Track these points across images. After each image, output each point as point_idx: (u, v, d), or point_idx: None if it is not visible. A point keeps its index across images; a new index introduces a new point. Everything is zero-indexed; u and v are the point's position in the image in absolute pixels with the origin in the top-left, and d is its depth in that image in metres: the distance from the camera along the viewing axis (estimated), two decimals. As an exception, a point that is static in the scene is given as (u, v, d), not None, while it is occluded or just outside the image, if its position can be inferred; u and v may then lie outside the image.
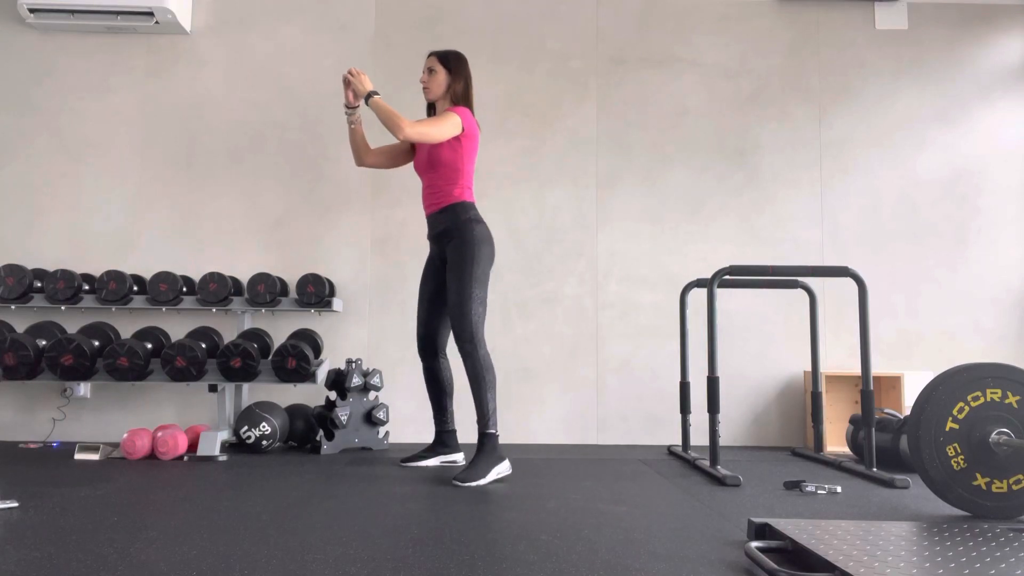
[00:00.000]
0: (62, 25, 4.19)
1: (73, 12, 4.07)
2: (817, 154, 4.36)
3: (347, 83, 3.06)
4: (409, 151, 3.31)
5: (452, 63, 3.15)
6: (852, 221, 4.32)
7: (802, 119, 4.37)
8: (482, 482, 2.80)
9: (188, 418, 4.06)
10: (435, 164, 3.09)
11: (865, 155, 4.36)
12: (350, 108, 3.13)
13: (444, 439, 3.31)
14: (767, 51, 4.41)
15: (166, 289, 3.87)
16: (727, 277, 3.24)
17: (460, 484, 2.77)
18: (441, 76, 3.14)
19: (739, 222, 4.31)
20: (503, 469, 2.91)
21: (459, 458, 3.33)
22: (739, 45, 4.41)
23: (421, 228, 4.00)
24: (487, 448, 2.90)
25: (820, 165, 4.35)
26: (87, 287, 3.96)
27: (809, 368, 4.15)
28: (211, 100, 4.32)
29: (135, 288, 3.95)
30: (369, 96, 3.01)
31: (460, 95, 3.14)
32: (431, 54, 3.18)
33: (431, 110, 3.24)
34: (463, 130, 3.05)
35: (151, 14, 4.08)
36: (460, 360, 3.03)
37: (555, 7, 4.41)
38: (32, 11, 4.05)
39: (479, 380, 2.94)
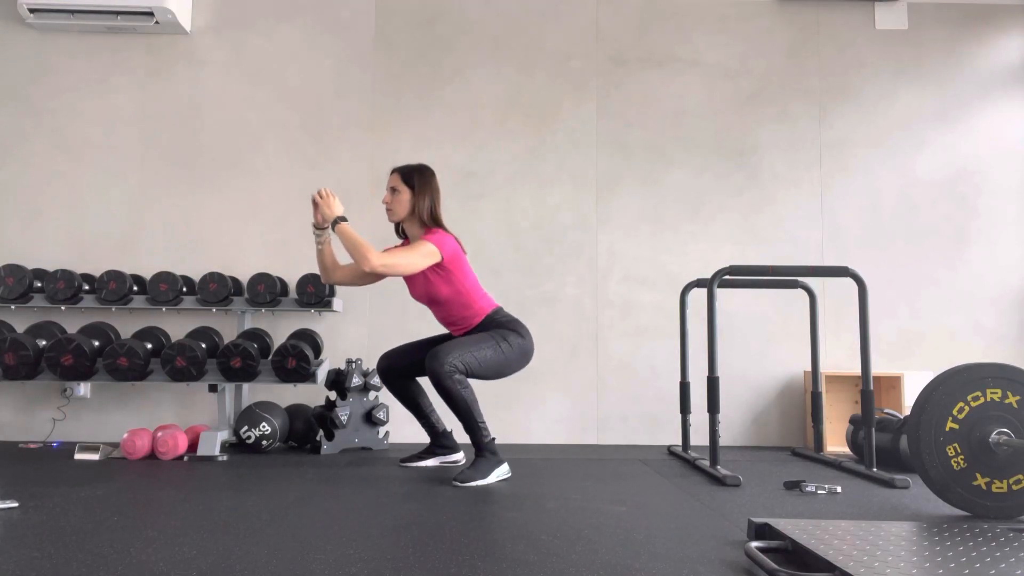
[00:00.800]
0: (62, 25, 4.19)
1: (73, 12, 4.07)
2: (817, 154, 4.36)
3: (316, 204, 2.97)
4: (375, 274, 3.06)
5: (416, 180, 3.01)
6: (852, 221, 4.32)
7: (802, 119, 4.37)
8: (483, 482, 2.80)
9: (188, 418, 4.06)
10: (436, 300, 3.01)
11: (865, 155, 4.36)
12: (319, 229, 3.02)
13: (440, 440, 3.31)
14: (767, 51, 4.41)
15: (166, 289, 3.87)
16: (727, 277, 3.24)
17: (461, 484, 2.77)
18: (405, 196, 3.01)
19: (739, 222, 4.31)
20: (503, 472, 2.90)
21: (459, 457, 3.32)
22: (739, 45, 4.41)
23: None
24: (487, 452, 2.90)
25: (820, 165, 4.35)
26: (87, 287, 3.96)
27: (809, 368, 4.15)
28: (211, 100, 4.32)
29: (135, 288, 3.95)
30: (336, 222, 2.90)
31: (427, 213, 3.00)
32: (393, 172, 3.06)
33: (399, 230, 3.13)
34: (442, 257, 2.91)
35: (151, 14, 4.08)
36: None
37: (555, 7, 4.41)
38: (32, 11, 4.05)
39: (464, 403, 2.84)
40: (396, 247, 3.11)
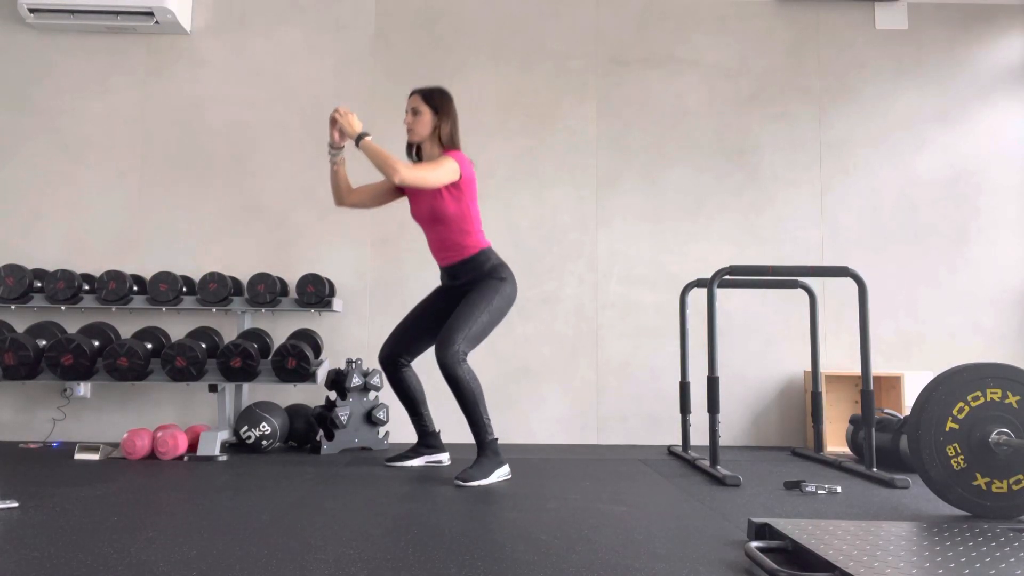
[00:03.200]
0: (62, 25, 4.19)
1: (73, 12, 4.07)
2: (817, 154, 4.36)
3: (333, 122, 2.95)
4: (393, 191, 3.15)
5: (438, 102, 3.02)
6: (852, 221, 4.32)
7: (802, 119, 4.37)
8: (484, 482, 2.80)
9: (188, 418, 4.06)
10: (441, 218, 3.00)
11: (865, 155, 4.36)
12: (335, 148, 3.01)
13: (427, 440, 3.31)
14: (767, 51, 4.41)
15: (166, 289, 3.87)
16: (727, 277, 3.24)
17: (462, 484, 2.77)
18: (427, 117, 3.01)
19: (739, 222, 4.31)
20: (504, 473, 2.90)
21: (444, 458, 3.32)
22: (739, 45, 4.41)
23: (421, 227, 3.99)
24: (489, 451, 2.90)
25: (820, 165, 4.35)
26: (87, 287, 3.96)
27: (809, 368, 4.15)
28: (211, 100, 4.32)
29: (135, 288, 3.95)
30: (360, 138, 2.88)
31: (448, 137, 3.01)
32: (414, 92, 3.05)
33: (413, 151, 3.12)
34: (461, 176, 2.94)
35: (151, 14, 4.08)
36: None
37: (555, 7, 4.41)
38: (32, 11, 4.05)
39: (472, 395, 2.86)
40: (419, 163, 3.06)
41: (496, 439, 2.93)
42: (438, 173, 2.88)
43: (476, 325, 2.90)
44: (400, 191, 3.14)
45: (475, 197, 3.03)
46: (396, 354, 3.20)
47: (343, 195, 3.11)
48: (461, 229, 3.01)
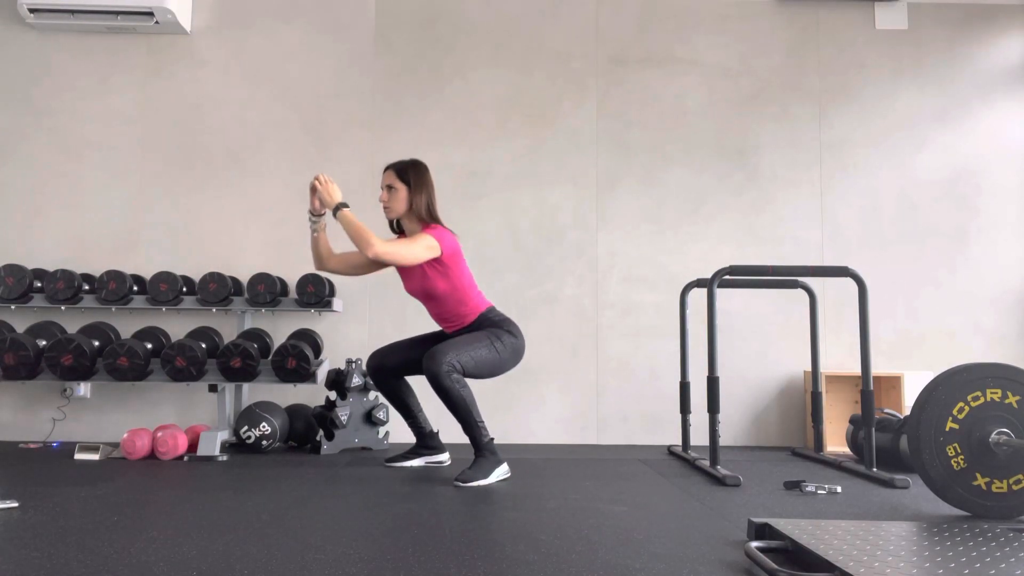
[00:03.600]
0: (62, 25, 4.19)
1: (73, 12, 4.07)
2: (817, 154, 4.36)
3: (313, 190, 2.95)
4: (371, 264, 3.07)
5: (411, 176, 3.00)
6: (852, 221, 4.32)
7: (802, 119, 4.37)
8: (484, 482, 2.80)
9: (188, 418, 4.06)
10: (433, 295, 3.00)
11: (865, 155, 4.36)
12: (315, 216, 3.01)
13: (426, 441, 3.31)
14: (767, 51, 4.41)
15: (166, 289, 3.87)
16: (727, 277, 3.24)
17: (462, 484, 2.77)
18: (402, 193, 3.00)
19: (739, 222, 4.31)
20: (503, 472, 2.90)
21: (444, 458, 3.32)
22: (739, 45, 4.41)
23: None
24: (487, 452, 2.90)
25: (820, 165, 4.35)
26: (87, 287, 3.96)
27: (809, 368, 4.15)
28: (211, 100, 4.32)
29: (135, 288, 3.95)
30: (338, 208, 2.88)
31: (425, 210, 3.00)
32: (387, 168, 3.05)
33: (396, 228, 3.13)
34: (441, 252, 2.92)
35: (151, 14, 4.08)
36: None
37: (555, 7, 4.41)
38: (32, 11, 4.05)
39: (463, 402, 2.84)
40: (396, 239, 3.10)
41: (492, 439, 2.93)
42: (413, 249, 2.87)
43: (473, 352, 2.88)
44: (378, 264, 3.04)
45: (463, 267, 3.01)
46: (384, 366, 3.20)
47: (323, 260, 3.10)
48: (457, 300, 3.01)
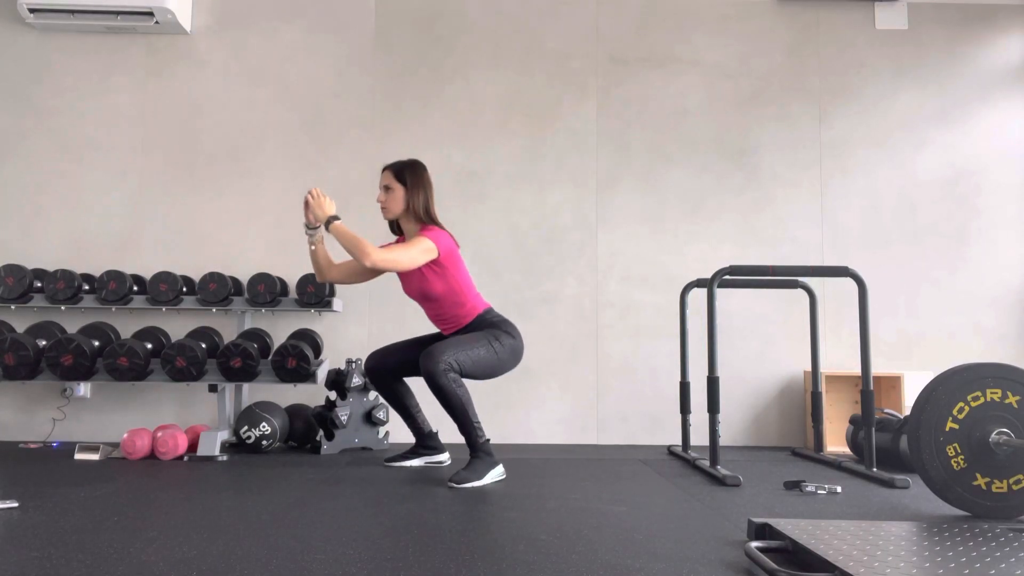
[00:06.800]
0: (62, 25, 4.19)
1: (73, 12, 4.07)
2: (817, 154, 4.36)
3: (307, 204, 2.94)
4: (374, 270, 3.02)
5: (408, 177, 3.00)
6: (852, 221, 4.32)
7: (802, 119, 4.37)
8: (478, 484, 2.79)
9: (188, 418, 4.06)
10: (431, 297, 3.00)
11: (865, 155, 4.36)
12: (311, 228, 3.00)
13: (426, 441, 3.31)
14: (767, 51, 4.41)
15: (166, 289, 3.87)
16: (727, 277, 3.24)
17: (456, 485, 2.76)
18: (399, 193, 2.99)
19: (739, 222, 4.31)
20: (498, 473, 2.90)
21: (444, 458, 3.32)
22: (739, 45, 4.41)
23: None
24: (482, 453, 2.89)
25: (820, 165, 4.35)
26: (87, 287, 3.96)
27: (809, 368, 4.15)
28: (211, 100, 4.32)
29: (135, 288, 3.95)
30: (329, 222, 2.88)
31: (422, 210, 2.99)
32: (385, 169, 3.05)
33: (395, 227, 3.13)
34: (439, 254, 2.91)
35: (151, 14, 4.08)
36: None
37: (555, 7, 4.41)
38: (32, 11, 4.05)
39: (459, 402, 2.84)
40: (392, 244, 3.10)
41: (488, 440, 2.92)
42: (411, 254, 2.86)
43: (470, 351, 2.88)
44: (378, 271, 3.03)
45: (460, 268, 3.01)
46: (382, 367, 3.20)
47: (324, 272, 3.10)
48: (454, 302, 3.01)
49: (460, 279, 3.00)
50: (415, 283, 3.02)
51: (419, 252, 2.88)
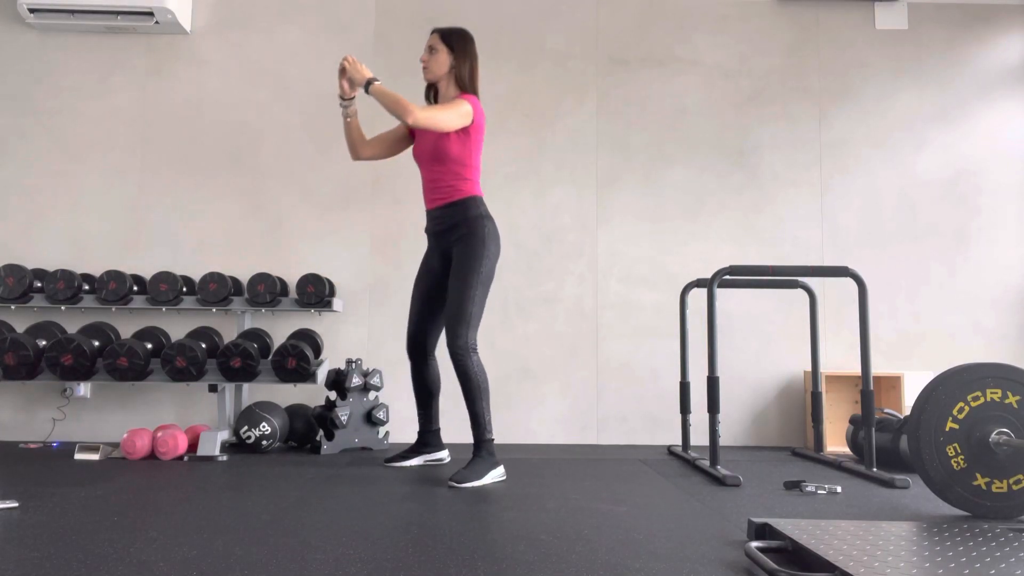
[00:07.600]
0: (62, 25, 4.19)
1: (73, 12, 4.07)
2: (817, 154, 4.36)
3: (343, 72, 2.91)
4: (407, 137, 3.13)
5: (456, 42, 2.97)
6: (852, 221, 4.32)
7: (802, 119, 4.37)
8: (478, 484, 2.79)
9: (188, 418, 4.06)
10: (441, 158, 2.95)
11: (865, 155, 4.36)
12: (345, 100, 2.97)
13: (427, 439, 3.30)
14: (767, 51, 4.41)
15: (166, 289, 3.87)
16: (727, 277, 3.24)
17: (456, 485, 2.76)
18: (443, 56, 2.97)
19: (739, 222, 4.31)
20: (498, 474, 2.90)
21: (444, 456, 3.32)
22: (739, 45, 4.41)
23: (421, 228, 3.99)
24: (484, 452, 2.89)
25: (820, 165, 4.35)
26: (87, 287, 3.96)
27: (809, 368, 4.15)
28: (211, 100, 4.32)
29: (135, 288, 3.95)
30: (369, 83, 2.84)
31: (466, 79, 2.98)
32: (434, 31, 3.02)
33: (431, 92, 3.08)
34: (473, 121, 2.91)
35: (151, 14, 4.08)
36: (449, 363, 2.96)
37: (555, 7, 4.41)
38: (32, 11, 4.05)
39: (478, 389, 2.87)
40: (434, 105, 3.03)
41: (493, 439, 2.92)
42: (451, 115, 2.84)
43: (474, 304, 2.89)
44: (409, 140, 3.11)
45: (480, 146, 3.00)
46: (419, 342, 3.18)
47: (358, 148, 3.08)
48: (458, 173, 2.96)
49: (475, 154, 2.98)
50: (430, 141, 2.97)
51: (458, 116, 2.86)
